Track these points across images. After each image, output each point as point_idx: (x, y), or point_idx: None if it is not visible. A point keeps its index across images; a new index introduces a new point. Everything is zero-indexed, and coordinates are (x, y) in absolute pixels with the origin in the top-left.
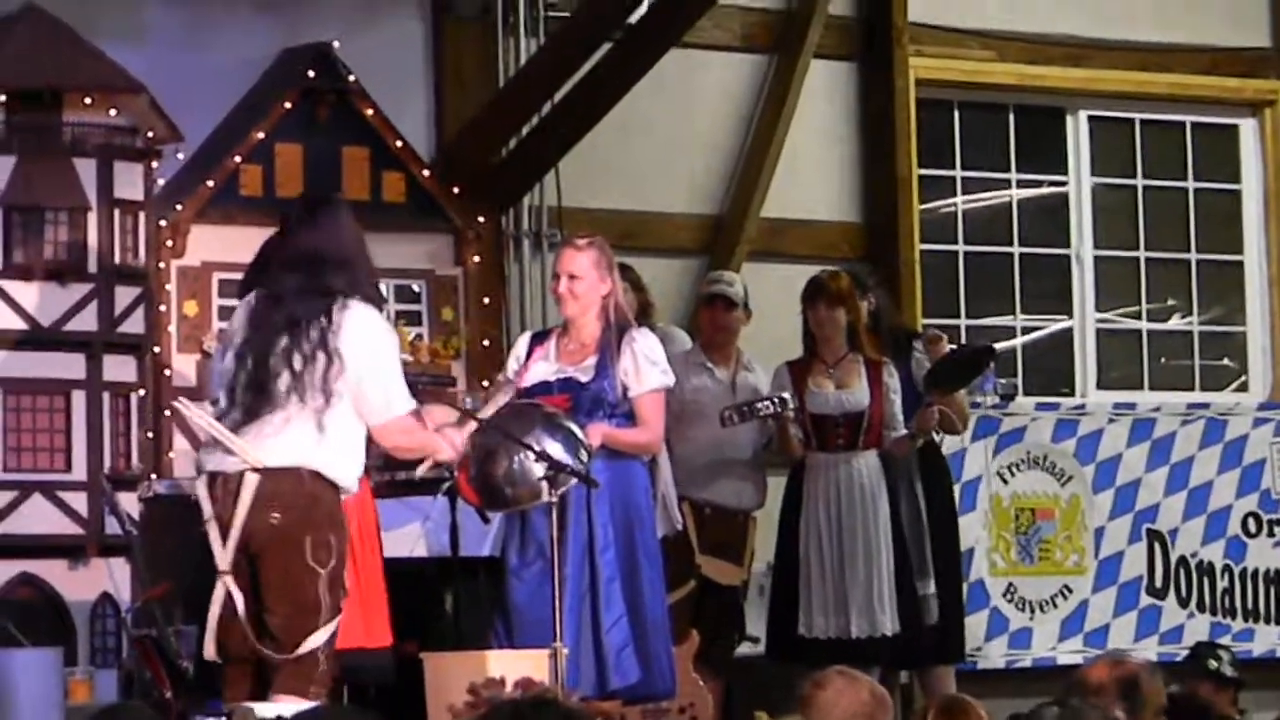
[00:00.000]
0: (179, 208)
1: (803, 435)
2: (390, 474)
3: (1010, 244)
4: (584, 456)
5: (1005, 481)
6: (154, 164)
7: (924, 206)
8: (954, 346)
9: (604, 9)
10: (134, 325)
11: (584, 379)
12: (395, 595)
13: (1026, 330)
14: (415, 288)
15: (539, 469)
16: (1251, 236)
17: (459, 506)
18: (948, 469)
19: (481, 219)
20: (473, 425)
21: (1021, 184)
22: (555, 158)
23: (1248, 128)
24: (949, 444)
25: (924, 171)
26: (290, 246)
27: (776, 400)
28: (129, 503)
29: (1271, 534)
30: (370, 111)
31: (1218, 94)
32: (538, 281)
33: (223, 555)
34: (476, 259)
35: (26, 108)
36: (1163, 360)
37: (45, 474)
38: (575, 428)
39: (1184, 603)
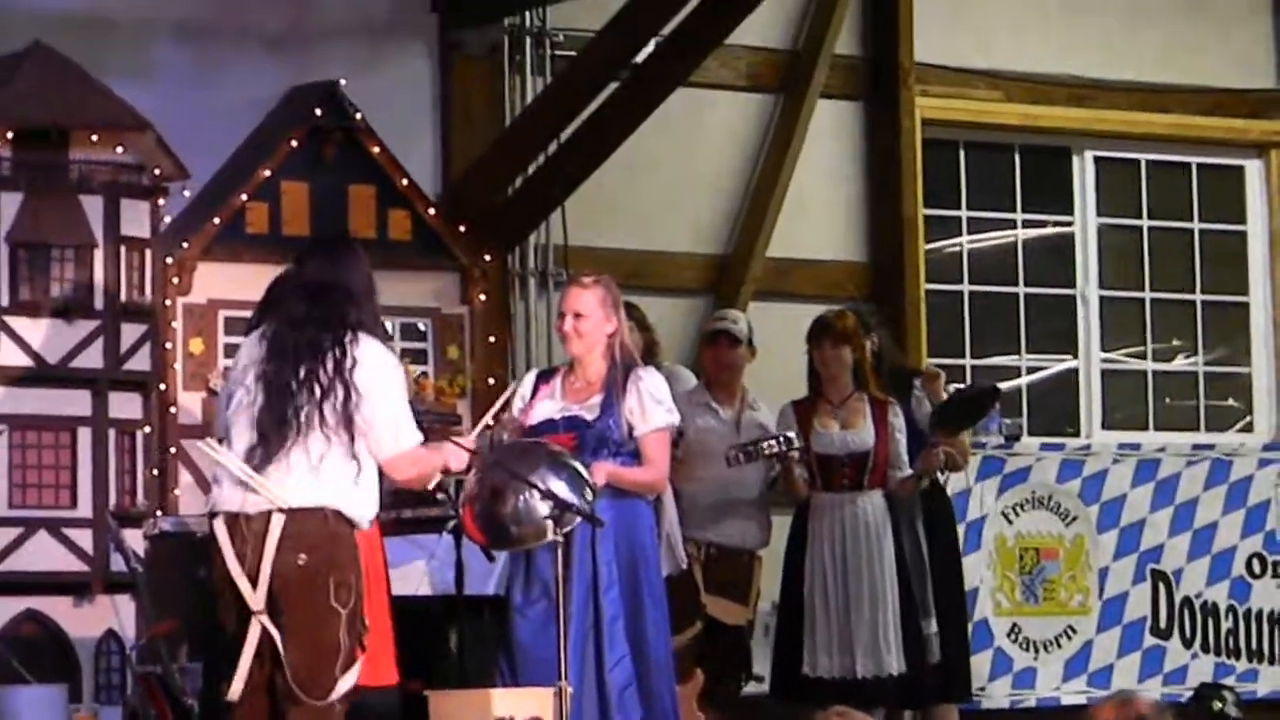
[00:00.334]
0: (185, 245)
1: (808, 475)
2: (396, 512)
3: (1015, 284)
4: (589, 495)
5: (1010, 521)
6: (161, 201)
7: (929, 246)
8: (960, 387)
9: (611, 49)
10: (140, 362)
11: (589, 417)
12: (401, 633)
13: (1031, 370)
14: (421, 326)
15: (544, 508)
16: (1257, 277)
17: (464, 545)
18: (952, 509)
19: (487, 257)
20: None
21: (1027, 224)
22: (561, 196)
23: (1253, 169)
24: (954, 483)
25: (929, 211)
26: (306, 277)
27: (782, 440)
28: (134, 540)
29: (1276, 575)
30: (377, 150)
31: (1223, 135)
32: (543, 320)
33: (254, 597)
34: (482, 297)
35: (34, 145)
36: (1168, 400)
37: (51, 510)
38: (580, 466)
39: (1188, 643)
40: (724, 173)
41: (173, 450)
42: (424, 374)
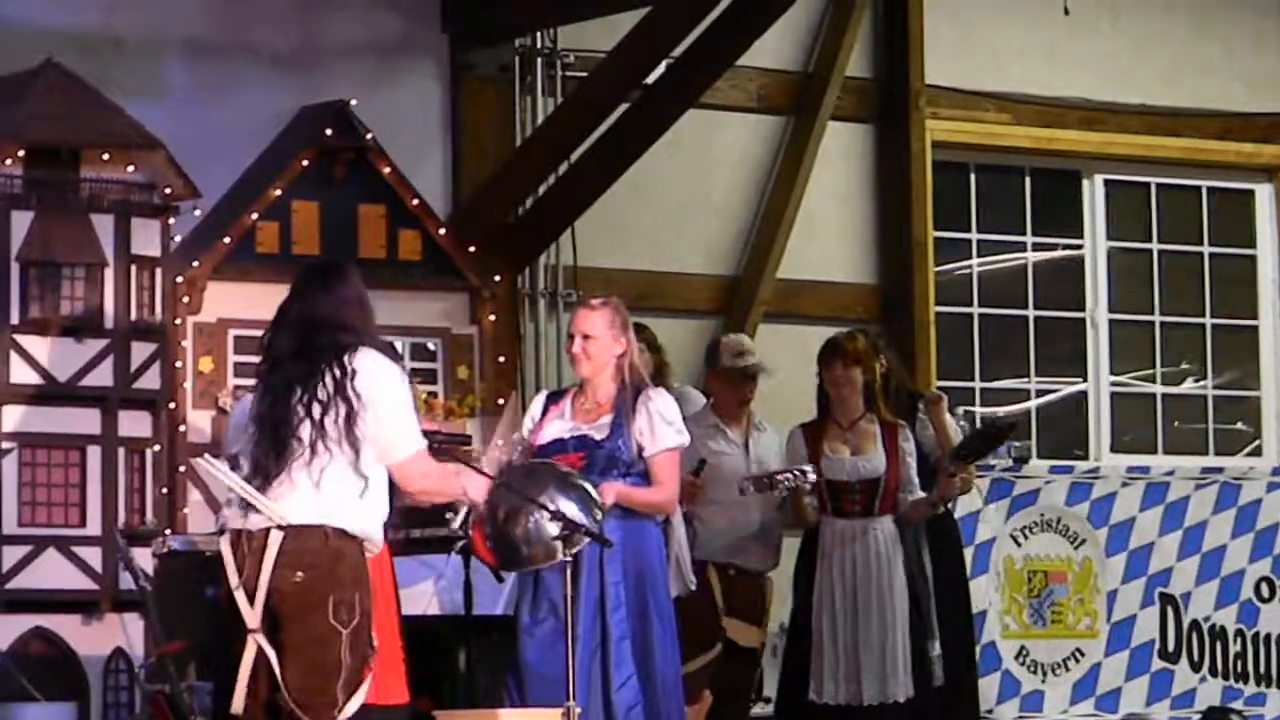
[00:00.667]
0: (196, 264)
1: (817, 503)
2: (405, 531)
3: (1025, 306)
4: (598, 516)
5: (1018, 544)
6: (171, 220)
7: (939, 268)
8: (980, 423)
9: (621, 70)
10: (150, 381)
11: (599, 437)
12: (409, 653)
13: (1041, 393)
14: (431, 346)
15: (553, 528)
16: (1266, 301)
17: (473, 565)
18: (958, 530)
19: (497, 278)
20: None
21: (1037, 247)
22: (572, 217)
23: (1263, 193)
24: (962, 506)
25: (939, 233)
26: (297, 311)
27: (797, 473)
28: (143, 558)
29: None
30: (387, 170)
31: (1233, 159)
32: (553, 340)
33: (251, 614)
34: (492, 318)
35: (45, 164)
36: (1177, 424)
37: (60, 529)
38: (589, 487)
39: (1196, 667)
40: (734, 194)
41: (182, 469)
42: (433, 394)
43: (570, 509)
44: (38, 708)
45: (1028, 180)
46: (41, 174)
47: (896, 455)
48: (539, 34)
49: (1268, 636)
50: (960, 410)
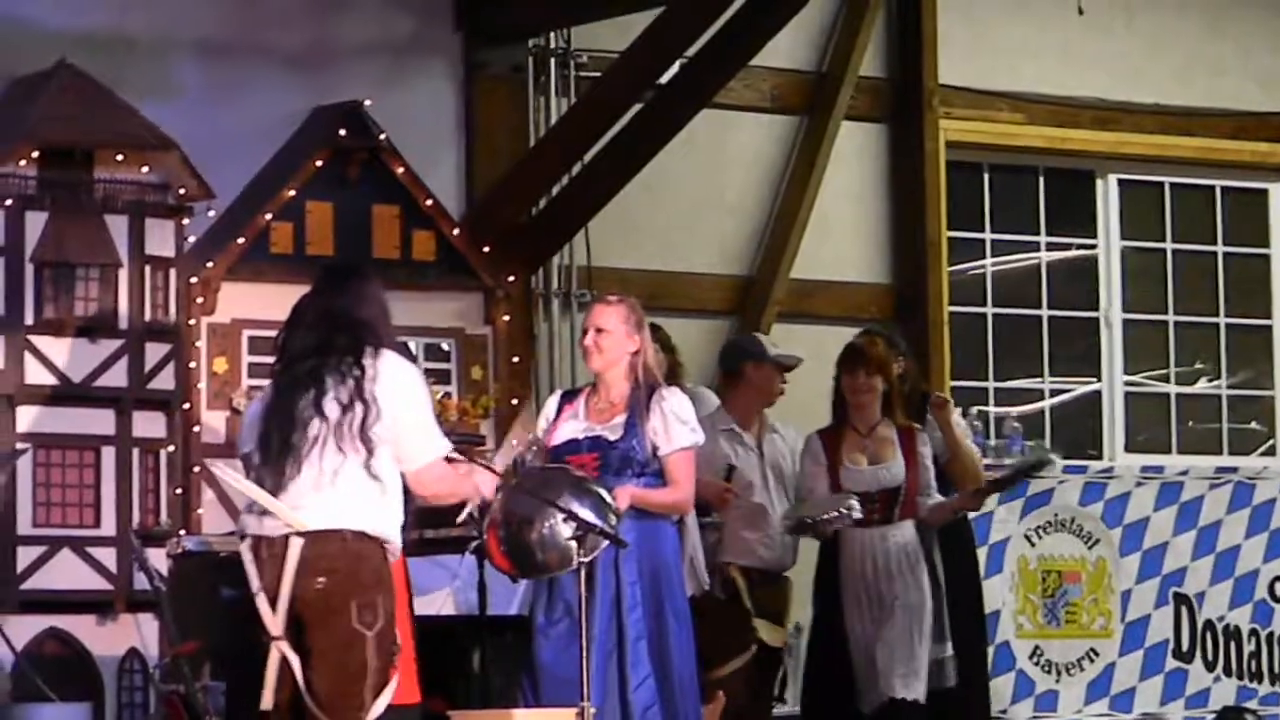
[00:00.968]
0: (210, 265)
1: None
2: (419, 532)
3: (1039, 306)
4: (612, 520)
5: (1032, 544)
6: (185, 221)
7: (953, 268)
8: (1021, 457)
9: (635, 69)
10: (164, 382)
11: (613, 437)
12: (423, 653)
13: (1054, 393)
14: (445, 346)
15: (568, 531)
16: None
17: (487, 565)
18: (971, 531)
19: (511, 278)
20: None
21: (1051, 246)
22: (585, 217)
23: (1277, 192)
24: None
25: (953, 233)
26: (317, 309)
27: (843, 511)
28: (158, 559)
29: None
30: (401, 170)
31: (1248, 158)
32: (567, 341)
33: (273, 621)
34: (506, 318)
35: (59, 164)
36: (1191, 423)
37: (74, 529)
38: (604, 492)
39: (1210, 666)
40: (748, 194)
41: (196, 469)
42: (447, 394)
43: (585, 514)
44: (53, 708)
45: (1041, 180)
46: (56, 175)
47: (915, 460)
48: (552, 34)
49: None
50: (974, 410)
